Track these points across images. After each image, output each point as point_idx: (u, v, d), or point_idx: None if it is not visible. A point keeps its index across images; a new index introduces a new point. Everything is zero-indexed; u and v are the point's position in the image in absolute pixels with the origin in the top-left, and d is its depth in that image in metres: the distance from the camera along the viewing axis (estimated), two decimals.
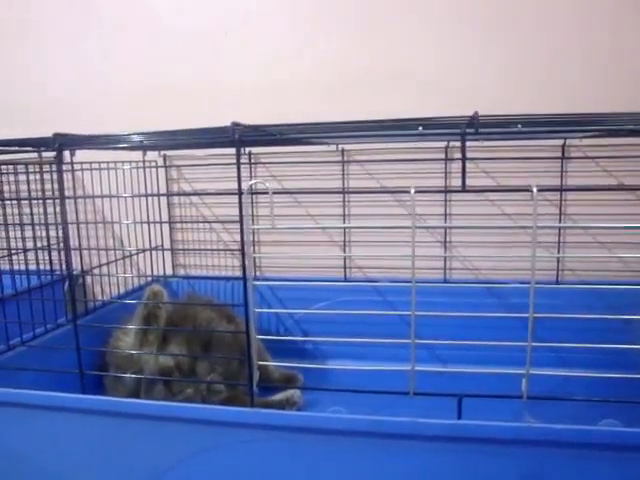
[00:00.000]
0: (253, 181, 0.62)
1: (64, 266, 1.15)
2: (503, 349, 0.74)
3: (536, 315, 0.61)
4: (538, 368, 0.62)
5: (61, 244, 1.14)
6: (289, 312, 1.21)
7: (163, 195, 1.34)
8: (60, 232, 1.10)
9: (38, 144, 0.76)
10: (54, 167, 1.02)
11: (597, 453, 0.58)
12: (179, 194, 1.39)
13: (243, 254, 0.64)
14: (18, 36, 1.43)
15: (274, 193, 0.56)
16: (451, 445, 0.60)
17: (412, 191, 0.57)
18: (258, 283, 0.69)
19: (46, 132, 0.75)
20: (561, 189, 1.22)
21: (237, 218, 0.64)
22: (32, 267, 1.10)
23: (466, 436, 0.59)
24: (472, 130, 0.58)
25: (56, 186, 1.06)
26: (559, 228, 1.23)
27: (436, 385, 0.64)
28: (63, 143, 0.68)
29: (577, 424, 0.58)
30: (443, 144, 1.23)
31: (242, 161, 1.29)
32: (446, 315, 0.66)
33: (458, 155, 1.23)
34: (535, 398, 0.62)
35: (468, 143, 1.19)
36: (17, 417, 0.76)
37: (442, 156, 1.23)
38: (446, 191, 1.10)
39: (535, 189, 0.57)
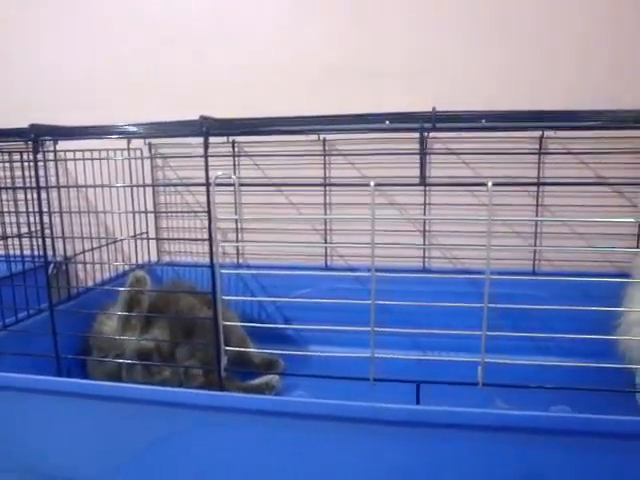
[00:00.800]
0: (220, 172, 0.64)
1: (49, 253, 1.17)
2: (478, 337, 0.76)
3: (490, 305, 0.63)
4: (514, 356, 0.65)
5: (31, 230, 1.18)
6: (259, 300, 1.23)
7: (148, 186, 1.36)
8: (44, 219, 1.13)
9: (16, 134, 0.78)
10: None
11: (546, 437, 0.61)
12: (155, 185, 1.41)
13: (210, 243, 0.66)
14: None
15: (240, 185, 0.58)
16: (407, 429, 0.63)
17: (372, 183, 0.60)
18: (225, 272, 0.71)
19: (27, 121, 0.78)
20: (516, 182, 1.24)
21: (220, 207, 0.67)
22: (18, 253, 1.13)
23: (419, 420, 0.62)
24: (430, 125, 0.60)
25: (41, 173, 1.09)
26: (511, 220, 1.25)
27: (433, 372, 0.67)
28: (39, 134, 0.70)
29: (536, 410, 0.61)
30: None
31: (226, 150, 1.33)
32: (405, 304, 0.69)
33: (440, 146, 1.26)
34: (490, 385, 0.65)
35: (453, 134, 1.23)
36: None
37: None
38: (403, 184, 1.12)
39: (490, 184, 0.59)
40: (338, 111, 0.90)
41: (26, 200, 1.10)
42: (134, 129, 0.78)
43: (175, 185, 1.35)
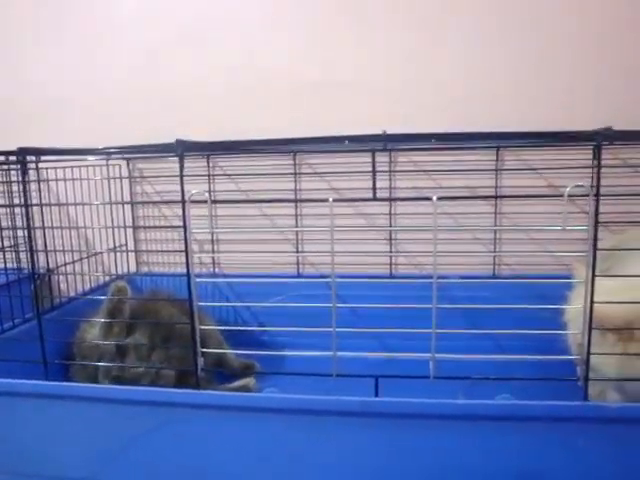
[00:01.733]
0: (195, 191, 0.71)
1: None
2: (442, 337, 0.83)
3: (438, 306, 0.71)
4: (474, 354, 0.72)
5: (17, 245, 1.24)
6: (233, 305, 1.30)
7: (127, 203, 1.42)
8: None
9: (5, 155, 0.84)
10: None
11: (490, 423, 0.69)
12: (134, 202, 1.47)
13: (187, 253, 0.73)
14: None
15: (213, 202, 0.65)
16: (364, 420, 0.70)
17: (330, 199, 0.67)
18: (200, 280, 0.78)
19: (11, 141, 0.84)
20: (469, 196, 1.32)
21: (196, 220, 0.75)
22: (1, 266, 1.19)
23: (373, 411, 0.69)
24: (380, 146, 0.67)
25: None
26: (454, 229, 1.33)
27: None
28: (26, 158, 0.76)
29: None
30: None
31: (202, 165, 1.40)
32: (366, 307, 0.76)
33: (402, 159, 1.35)
34: (439, 378, 0.72)
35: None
36: None
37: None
38: (357, 200, 1.20)
39: (435, 197, 0.67)
40: (307, 127, 0.97)
41: (8, 215, 1.16)
42: (115, 151, 0.84)
43: (153, 203, 1.41)
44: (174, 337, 1.07)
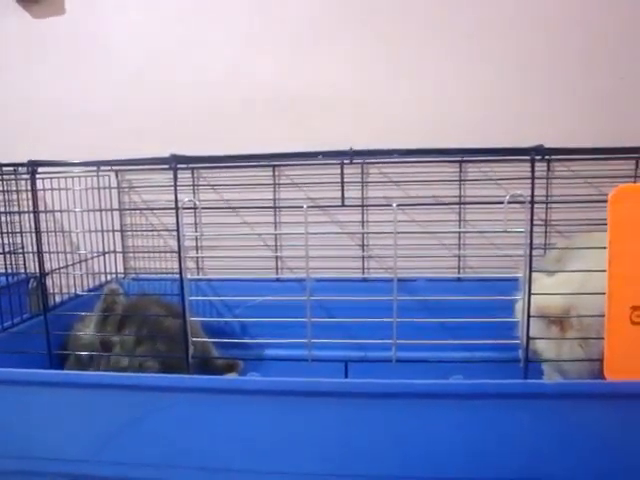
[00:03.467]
0: (187, 199, 0.81)
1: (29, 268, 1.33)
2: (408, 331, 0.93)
3: (399, 298, 0.81)
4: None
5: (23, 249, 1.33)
6: (221, 299, 1.39)
7: (122, 210, 1.52)
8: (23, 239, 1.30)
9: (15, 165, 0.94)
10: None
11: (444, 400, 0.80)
12: (128, 209, 1.56)
13: (180, 256, 0.83)
14: None
15: (202, 208, 0.75)
16: (336, 399, 0.80)
17: (305, 206, 0.78)
18: (191, 277, 0.88)
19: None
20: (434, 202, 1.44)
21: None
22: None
23: (341, 391, 0.80)
24: (348, 160, 0.78)
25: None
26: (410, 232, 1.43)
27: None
28: (36, 169, 0.86)
29: None
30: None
31: (185, 175, 1.50)
32: (341, 299, 0.87)
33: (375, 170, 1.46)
34: (400, 361, 0.83)
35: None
36: None
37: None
38: (328, 206, 1.30)
39: (395, 204, 0.78)
40: (287, 140, 1.07)
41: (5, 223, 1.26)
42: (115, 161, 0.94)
43: (146, 209, 1.50)
44: (159, 334, 1.16)
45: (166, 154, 0.87)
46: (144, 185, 1.55)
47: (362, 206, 1.38)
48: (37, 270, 1.35)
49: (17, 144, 1.53)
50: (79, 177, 1.41)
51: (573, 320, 0.88)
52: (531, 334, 0.84)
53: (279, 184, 1.49)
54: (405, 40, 1.43)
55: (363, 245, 1.50)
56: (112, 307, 1.14)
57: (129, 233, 1.59)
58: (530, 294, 0.80)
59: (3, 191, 1.31)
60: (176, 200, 0.82)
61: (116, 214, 1.56)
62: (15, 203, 1.39)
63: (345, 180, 1.01)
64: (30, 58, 1.58)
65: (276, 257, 1.52)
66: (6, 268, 1.27)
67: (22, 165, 0.91)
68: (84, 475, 0.94)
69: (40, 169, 0.96)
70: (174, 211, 0.84)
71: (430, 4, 1.41)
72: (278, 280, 1.51)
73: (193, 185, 1.49)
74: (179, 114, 1.52)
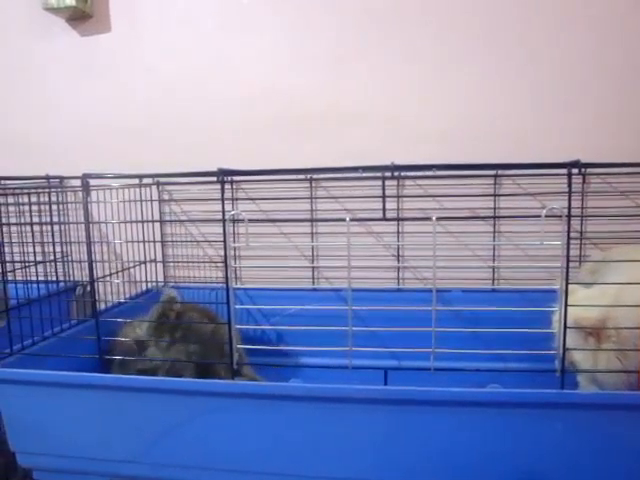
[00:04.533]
0: (233, 212, 0.85)
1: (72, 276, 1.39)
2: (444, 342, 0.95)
3: (438, 308, 0.84)
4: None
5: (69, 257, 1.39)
6: (263, 308, 1.41)
7: (157, 221, 1.57)
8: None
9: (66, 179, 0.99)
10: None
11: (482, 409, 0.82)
12: (177, 220, 1.61)
13: (226, 265, 0.87)
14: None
15: (249, 221, 0.78)
16: (375, 406, 0.83)
17: (348, 219, 0.81)
18: (236, 286, 0.91)
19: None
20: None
21: (219, 237, 0.88)
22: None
23: (382, 398, 0.82)
24: (389, 174, 0.81)
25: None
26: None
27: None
28: (88, 182, 0.90)
29: None
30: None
31: (226, 187, 1.54)
32: (379, 309, 0.89)
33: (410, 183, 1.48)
34: (438, 370, 0.85)
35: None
36: (44, 394, 0.98)
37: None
38: (370, 220, 1.33)
39: (434, 217, 0.80)
40: (322, 153, 1.10)
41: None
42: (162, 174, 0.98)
43: (191, 221, 1.55)
44: (193, 337, 1.19)
45: (199, 168, 0.93)
46: (184, 197, 1.60)
47: (401, 219, 1.40)
48: (83, 278, 1.45)
49: (59, 157, 1.61)
50: (122, 189, 1.46)
51: (610, 332, 0.89)
52: (567, 345, 0.85)
53: (316, 197, 1.52)
54: (438, 55, 1.46)
55: (398, 256, 1.52)
56: (168, 314, 1.17)
57: (169, 243, 1.63)
58: (567, 305, 0.82)
59: (49, 202, 1.35)
60: (223, 212, 0.85)
61: (157, 224, 1.61)
62: (55, 213, 1.43)
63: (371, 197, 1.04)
64: (77, 75, 1.64)
65: (312, 267, 1.55)
66: (51, 275, 1.32)
67: (76, 178, 0.95)
68: (127, 476, 0.99)
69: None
70: (214, 222, 0.88)
71: (464, 20, 1.44)
72: (315, 290, 1.54)
73: (232, 198, 1.53)
74: (215, 129, 1.57)
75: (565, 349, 0.84)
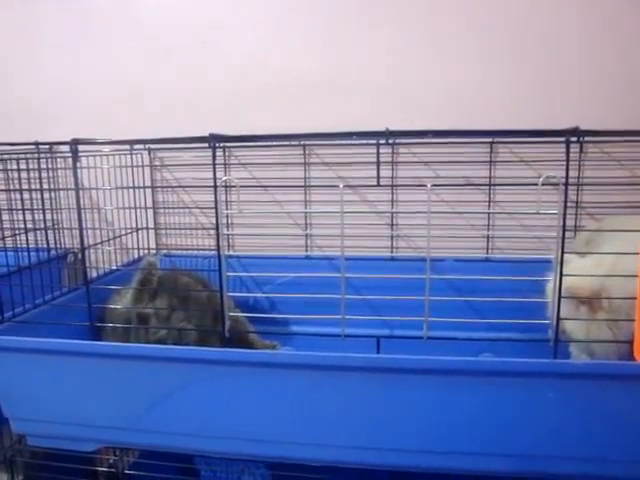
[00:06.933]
0: (225, 177, 0.83)
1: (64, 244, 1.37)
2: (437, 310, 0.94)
3: (432, 277, 0.83)
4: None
5: (59, 225, 1.37)
6: (252, 275, 1.41)
7: (148, 188, 1.55)
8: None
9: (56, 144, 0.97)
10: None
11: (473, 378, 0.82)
12: (167, 187, 1.60)
13: (218, 232, 0.85)
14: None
15: (241, 187, 0.77)
16: (367, 374, 0.83)
17: (341, 186, 0.79)
18: (229, 253, 0.90)
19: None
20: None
21: (211, 204, 0.86)
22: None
23: (374, 366, 0.82)
24: (383, 140, 0.80)
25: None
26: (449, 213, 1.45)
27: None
28: (77, 147, 0.89)
29: None
30: None
31: (218, 153, 1.52)
32: (373, 277, 0.88)
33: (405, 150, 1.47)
34: (431, 338, 0.85)
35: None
36: (36, 361, 0.97)
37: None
38: (364, 186, 1.32)
39: (429, 185, 0.79)
40: (316, 121, 1.08)
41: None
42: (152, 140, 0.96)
43: (182, 187, 1.53)
44: (191, 300, 1.17)
45: (194, 133, 0.91)
46: (175, 163, 1.57)
47: (395, 186, 1.39)
48: (74, 246, 1.43)
49: (49, 124, 1.58)
50: (113, 155, 1.44)
51: (603, 301, 0.89)
52: (561, 315, 0.85)
53: (309, 163, 1.51)
54: (436, 23, 1.43)
55: (392, 224, 1.51)
56: (150, 279, 1.16)
57: (161, 210, 1.62)
58: (562, 275, 0.81)
59: (39, 169, 1.33)
60: (214, 178, 0.84)
61: (148, 191, 1.59)
62: (45, 181, 1.41)
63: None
64: (69, 40, 1.60)
65: (306, 235, 1.54)
66: (42, 243, 1.31)
67: (64, 144, 0.93)
68: (122, 442, 0.99)
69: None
70: (207, 189, 0.86)
71: None
72: (308, 258, 1.53)
73: (225, 164, 1.51)
74: (208, 96, 1.55)
75: (559, 319, 0.83)
